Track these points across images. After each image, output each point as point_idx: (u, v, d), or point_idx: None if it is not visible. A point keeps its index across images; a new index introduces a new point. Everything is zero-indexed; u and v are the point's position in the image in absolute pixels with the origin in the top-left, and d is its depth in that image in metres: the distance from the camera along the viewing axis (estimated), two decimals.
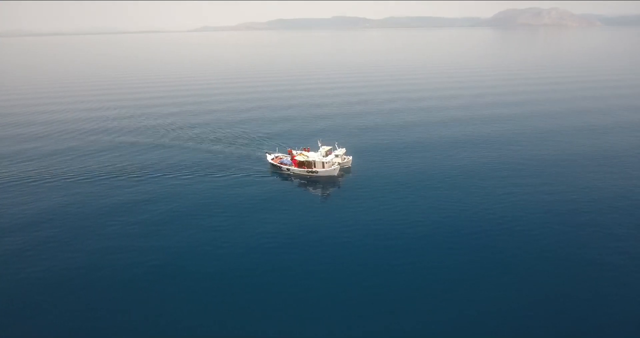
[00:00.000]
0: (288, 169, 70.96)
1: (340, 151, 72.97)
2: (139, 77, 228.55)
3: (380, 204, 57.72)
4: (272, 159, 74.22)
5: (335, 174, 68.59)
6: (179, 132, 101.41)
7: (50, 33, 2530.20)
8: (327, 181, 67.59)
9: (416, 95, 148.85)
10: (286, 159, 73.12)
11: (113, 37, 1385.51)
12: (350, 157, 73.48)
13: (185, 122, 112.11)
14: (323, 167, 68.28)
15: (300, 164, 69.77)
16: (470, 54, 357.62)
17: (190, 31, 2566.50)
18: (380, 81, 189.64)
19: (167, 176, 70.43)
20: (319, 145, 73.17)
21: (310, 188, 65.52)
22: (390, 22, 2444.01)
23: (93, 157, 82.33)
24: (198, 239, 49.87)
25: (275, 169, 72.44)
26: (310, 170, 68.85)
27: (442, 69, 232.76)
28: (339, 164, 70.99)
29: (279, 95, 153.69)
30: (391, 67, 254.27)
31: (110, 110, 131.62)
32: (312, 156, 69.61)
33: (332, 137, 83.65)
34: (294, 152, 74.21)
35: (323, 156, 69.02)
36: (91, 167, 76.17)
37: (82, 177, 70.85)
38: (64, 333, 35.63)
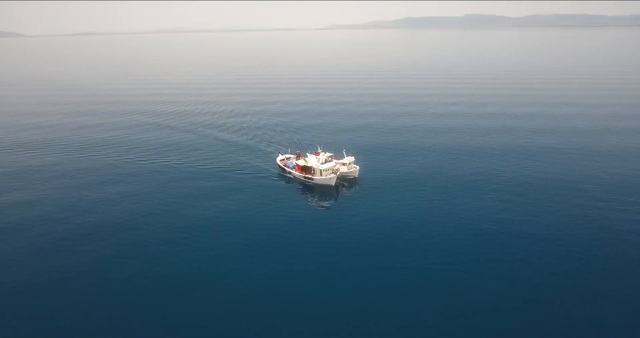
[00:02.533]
0: (290, 173, 68.92)
1: (348, 159, 67.99)
2: (279, 72, 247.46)
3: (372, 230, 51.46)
4: (281, 160, 72.93)
5: (332, 184, 64.13)
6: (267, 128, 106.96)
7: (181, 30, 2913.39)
8: (324, 190, 63.63)
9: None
10: (291, 162, 71.05)
11: (251, 34, 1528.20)
12: (357, 167, 67.90)
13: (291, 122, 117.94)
14: (320, 174, 64.43)
15: (302, 169, 67.08)
16: None
17: (319, 29, 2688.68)
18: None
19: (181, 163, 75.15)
20: (319, 150, 69.32)
21: (304, 197, 62.48)
22: (533, 21, 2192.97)
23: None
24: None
25: (281, 171, 71.03)
26: (307, 176, 65.71)
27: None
28: (340, 173, 66.50)
29: (395, 99, 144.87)
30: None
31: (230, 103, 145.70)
32: (310, 162, 66.31)
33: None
34: (302, 155, 71.79)
35: (321, 163, 65.15)
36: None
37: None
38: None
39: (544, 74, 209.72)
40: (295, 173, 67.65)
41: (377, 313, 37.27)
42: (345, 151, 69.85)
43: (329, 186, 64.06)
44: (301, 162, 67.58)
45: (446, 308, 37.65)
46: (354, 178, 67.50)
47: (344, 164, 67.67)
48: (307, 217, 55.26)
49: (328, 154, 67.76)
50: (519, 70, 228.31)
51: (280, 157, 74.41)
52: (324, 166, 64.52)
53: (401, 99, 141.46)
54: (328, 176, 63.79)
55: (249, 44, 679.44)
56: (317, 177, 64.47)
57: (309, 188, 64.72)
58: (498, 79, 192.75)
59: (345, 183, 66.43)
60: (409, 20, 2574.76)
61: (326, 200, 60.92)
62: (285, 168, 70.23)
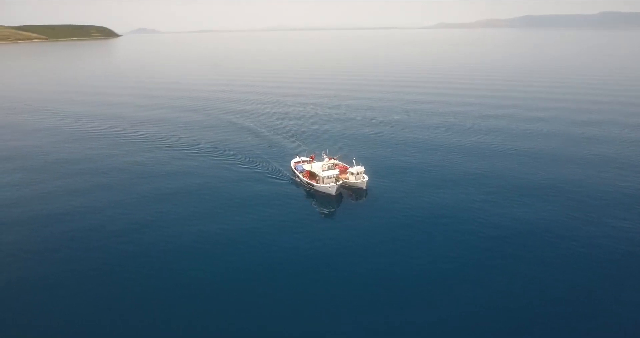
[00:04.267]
0: (298, 176, 66.09)
1: (357, 169, 62.62)
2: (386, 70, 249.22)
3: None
4: (295, 162, 70.41)
5: (332, 193, 59.50)
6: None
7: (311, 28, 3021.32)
8: (324, 199, 59.59)
9: None
10: (300, 166, 67.94)
11: (353, 33, 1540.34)
12: (366, 178, 62.03)
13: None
14: (322, 182, 60.36)
15: (309, 174, 63.78)
16: None
17: (425, 28, 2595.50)
18: None
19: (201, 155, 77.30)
20: (323, 156, 64.81)
21: (297, 203, 59.27)
22: None
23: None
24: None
25: (292, 174, 68.59)
26: (310, 182, 62.17)
27: None
28: (346, 182, 61.69)
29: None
30: None
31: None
32: (314, 167, 62.52)
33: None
34: (316, 159, 68.33)
35: (323, 170, 60.97)
36: None
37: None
38: None
39: None
40: (302, 178, 64.65)
41: None
42: (355, 159, 64.50)
43: (330, 195, 59.78)
44: (307, 167, 64.37)
45: None
46: (362, 190, 61.99)
47: (352, 174, 62.70)
48: (285, 224, 52.05)
49: (332, 161, 63.36)
50: None
51: (296, 159, 71.86)
52: (325, 173, 60.23)
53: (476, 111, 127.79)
54: (328, 184, 59.44)
55: (345, 43, 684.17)
56: (317, 184, 60.65)
57: (311, 195, 61.16)
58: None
59: (352, 194, 61.65)
60: (528, 19, 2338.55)
61: (318, 210, 57.08)
62: (295, 171, 67.65)
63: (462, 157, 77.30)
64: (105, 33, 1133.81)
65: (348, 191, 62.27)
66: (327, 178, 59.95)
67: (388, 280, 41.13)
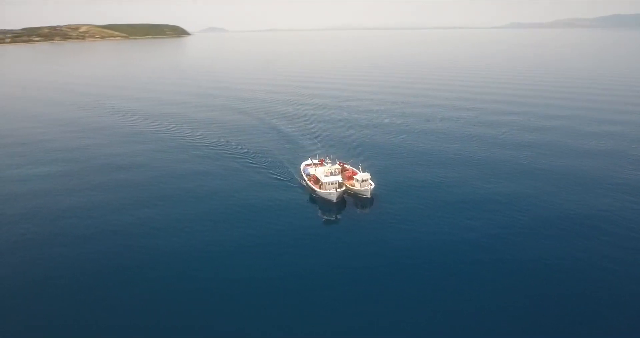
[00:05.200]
0: (304, 179, 65.87)
1: (362, 176, 61.05)
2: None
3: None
4: (306, 165, 70.14)
5: (333, 200, 58.50)
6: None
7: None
8: (325, 205, 58.87)
9: None
10: (306, 169, 67.49)
11: (417, 32, 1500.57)
12: (371, 186, 60.23)
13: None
14: (324, 188, 59.59)
15: (314, 178, 63.36)
16: None
17: (496, 28, 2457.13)
18: None
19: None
20: (327, 161, 63.60)
21: (295, 208, 59.13)
22: None
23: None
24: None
25: (300, 177, 68.51)
26: (312, 187, 61.67)
27: None
28: (350, 189, 60.43)
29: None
30: None
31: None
32: (318, 172, 61.86)
33: None
34: (325, 162, 67.69)
35: (325, 175, 60.10)
36: None
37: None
38: None
39: None
40: (308, 182, 64.32)
41: None
42: (361, 166, 62.91)
43: (330, 202, 58.88)
44: (312, 171, 63.98)
45: None
46: (366, 199, 60.28)
47: (357, 181, 61.23)
48: (282, 233, 51.90)
49: (343, 166, 62.18)
50: None
51: (307, 162, 71.54)
52: (327, 179, 59.47)
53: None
54: (329, 191, 58.56)
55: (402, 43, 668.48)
56: (319, 190, 59.98)
57: (314, 201, 60.52)
58: None
59: (357, 202, 60.27)
60: (616, 18, 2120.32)
61: (319, 218, 56.48)
62: (303, 174, 67.48)
63: (497, 176, 68.72)
64: (178, 32, 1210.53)
65: (353, 199, 61.07)
66: (329, 184, 59.13)
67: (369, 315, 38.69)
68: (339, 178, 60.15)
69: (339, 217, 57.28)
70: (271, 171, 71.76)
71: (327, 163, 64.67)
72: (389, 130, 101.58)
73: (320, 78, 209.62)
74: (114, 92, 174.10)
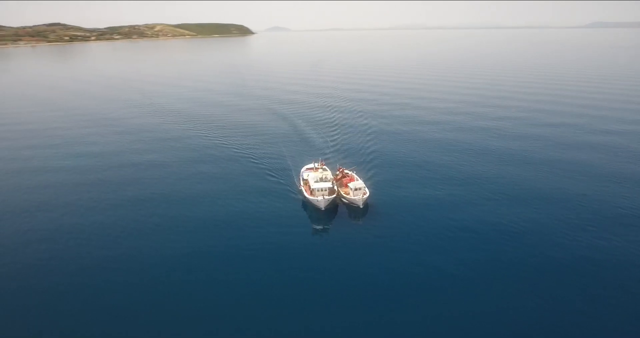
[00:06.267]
0: (300, 184, 62.70)
1: (355, 184, 56.63)
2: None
3: None
4: (306, 169, 66.90)
5: (321, 207, 54.69)
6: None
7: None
8: (315, 213, 55.39)
9: None
10: (304, 174, 64.06)
11: (501, 32, 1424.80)
12: (364, 196, 55.48)
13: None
14: (313, 194, 55.99)
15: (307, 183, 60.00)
16: None
17: (578, 27, 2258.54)
18: None
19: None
20: (317, 164, 59.44)
21: (276, 215, 56.25)
22: None
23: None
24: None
25: (299, 182, 65.36)
26: (304, 192, 58.28)
27: None
28: (341, 197, 56.37)
29: None
30: None
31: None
32: (310, 176, 58.33)
33: None
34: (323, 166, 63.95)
35: (315, 181, 56.41)
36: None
37: None
38: None
39: None
40: (302, 186, 61.09)
41: None
42: (356, 173, 58.38)
43: (319, 209, 55.19)
44: (306, 175, 60.67)
45: None
46: (357, 207, 55.76)
47: (351, 189, 56.90)
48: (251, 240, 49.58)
49: (326, 173, 58.19)
50: None
51: (309, 165, 68.12)
52: (316, 185, 55.81)
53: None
54: (317, 197, 54.87)
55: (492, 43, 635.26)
56: (308, 196, 56.49)
57: (306, 207, 57.28)
58: None
59: (349, 212, 56.12)
60: None
61: (307, 226, 53.18)
62: (300, 178, 64.35)
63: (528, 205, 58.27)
64: (243, 31, 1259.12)
65: (346, 208, 57.05)
66: (318, 190, 55.47)
67: None
68: (328, 184, 56.25)
69: (327, 227, 53.54)
70: (273, 174, 69.66)
71: (318, 167, 60.91)
72: (433, 141, 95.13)
73: (373, 80, 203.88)
74: (163, 89, 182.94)
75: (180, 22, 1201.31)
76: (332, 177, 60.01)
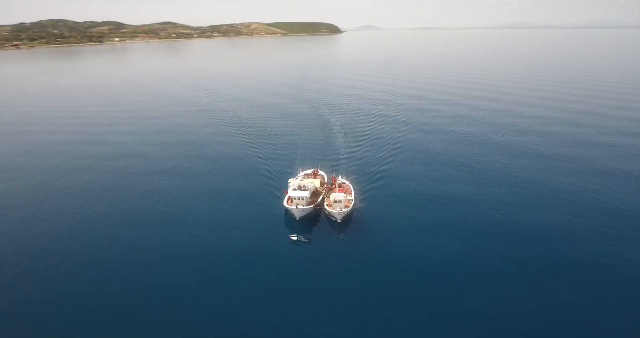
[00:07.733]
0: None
1: (335, 196, 52.57)
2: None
3: None
4: (300, 174, 64.15)
5: (296, 217, 51.94)
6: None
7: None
8: (292, 222, 52.88)
9: None
10: (291, 181, 61.22)
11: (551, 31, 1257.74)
12: (341, 210, 51.12)
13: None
14: (290, 202, 53.39)
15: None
16: None
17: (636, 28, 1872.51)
18: None
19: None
20: (299, 172, 55.95)
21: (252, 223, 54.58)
22: None
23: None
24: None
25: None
26: (286, 199, 55.85)
27: None
28: (319, 208, 53.09)
29: None
30: None
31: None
32: (291, 184, 55.60)
33: None
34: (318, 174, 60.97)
35: (292, 188, 53.62)
36: None
37: None
38: None
39: None
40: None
41: None
42: (340, 182, 54.20)
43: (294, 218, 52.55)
44: (291, 181, 58.06)
45: None
46: (336, 223, 51.77)
47: (332, 200, 53.12)
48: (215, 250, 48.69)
49: (307, 180, 54.77)
50: None
51: (307, 171, 65.34)
52: (292, 193, 53.07)
53: None
54: (293, 206, 52.09)
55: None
56: (285, 205, 54.00)
57: (287, 215, 54.83)
58: None
59: (328, 226, 52.54)
60: None
61: (282, 237, 50.82)
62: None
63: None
64: (332, 29, 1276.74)
65: (324, 219, 53.66)
66: (294, 199, 52.85)
67: None
68: (305, 194, 53.10)
69: (301, 239, 50.52)
70: (270, 175, 68.52)
71: (300, 176, 57.90)
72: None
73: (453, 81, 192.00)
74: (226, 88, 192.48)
75: (273, 21, 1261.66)
76: (315, 186, 56.82)
